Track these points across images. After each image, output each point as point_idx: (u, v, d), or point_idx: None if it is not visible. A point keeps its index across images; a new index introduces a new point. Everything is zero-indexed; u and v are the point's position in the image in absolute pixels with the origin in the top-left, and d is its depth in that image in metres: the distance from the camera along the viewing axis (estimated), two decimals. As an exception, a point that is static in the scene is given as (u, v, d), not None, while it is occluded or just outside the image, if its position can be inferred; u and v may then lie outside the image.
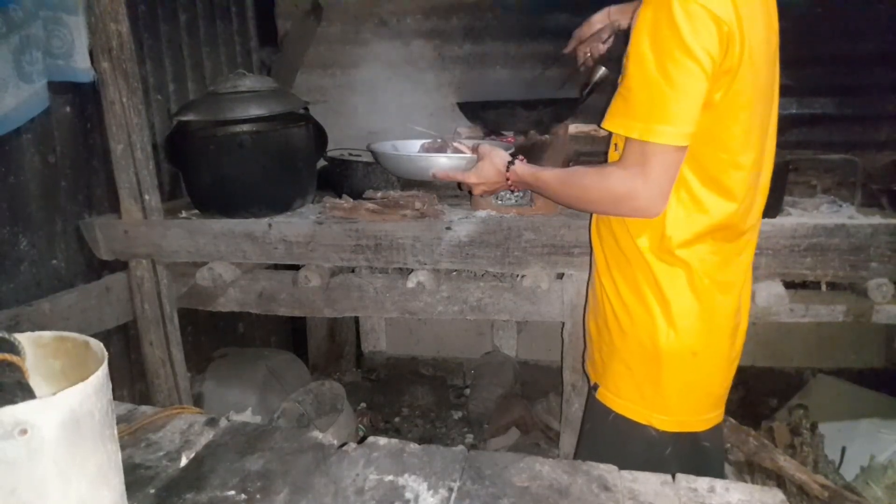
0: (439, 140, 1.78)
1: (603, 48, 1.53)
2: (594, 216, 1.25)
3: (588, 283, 1.33)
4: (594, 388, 1.25)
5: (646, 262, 1.09)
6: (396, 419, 2.77)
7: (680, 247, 1.06)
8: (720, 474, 1.26)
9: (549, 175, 1.19)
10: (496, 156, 1.32)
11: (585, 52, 1.50)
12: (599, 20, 1.49)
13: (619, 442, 1.19)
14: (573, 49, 1.51)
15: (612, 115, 1.04)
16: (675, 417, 1.13)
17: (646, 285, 1.10)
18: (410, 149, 1.80)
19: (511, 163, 1.28)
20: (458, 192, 1.96)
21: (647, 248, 1.09)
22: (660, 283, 1.09)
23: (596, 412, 1.24)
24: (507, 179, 1.29)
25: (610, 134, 1.17)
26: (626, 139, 1.00)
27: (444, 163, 1.53)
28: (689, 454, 1.15)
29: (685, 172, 1.03)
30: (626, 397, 1.17)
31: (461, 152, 1.60)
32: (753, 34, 0.95)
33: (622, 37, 1.42)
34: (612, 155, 1.16)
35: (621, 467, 0.82)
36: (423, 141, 1.81)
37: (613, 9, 1.51)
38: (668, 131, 0.95)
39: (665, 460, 1.13)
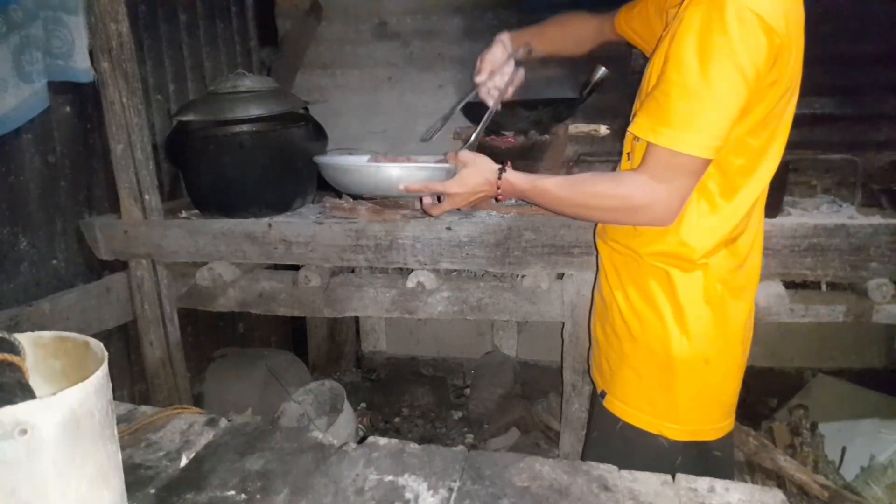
0: (385, 153, 1.72)
1: (511, 90, 1.42)
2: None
3: (594, 288, 1.31)
4: (602, 395, 1.22)
5: (660, 269, 1.07)
6: (396, 419, 2.77)
7: (701, 256, 1.04)
8: None
9: (550, 183, 1.11)
10: (482, 162, 1.21)
11: (500, 87, 1.39)
12: (507, 44, 1.40)
13: (627, 451, 1.15)
14: (483, 80, 1.40)
15: (641, 120, 0.98)
16: (687, 427, 1.10)
17: (660, 292, 1.08)
18: (354, 163, 1.71)
19: (502, 170, 1.18)
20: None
21: (663, 255, 1.07)
22: (675, 290, 1.06)
23: (604, 420, 1.20)
24: (498, 188, 1.18)
25: (621, 140, 1.15)
26: (650, 144, 0.97)
27: (417, 174, 1.43)
28: (700, 464, 1.11)
29: (707, 182, 1.01)
30: (635, 406, 1.14)
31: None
32: (797, 43, 0.93)
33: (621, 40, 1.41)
34: (624, 164, 1.13)
35: None
36: (367, 156, 1.75)
37: (508, 37, 1.42)
38: (699, 142, 0.92)
39: (675, 470, 1.11)
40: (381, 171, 1.55)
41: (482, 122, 1.42)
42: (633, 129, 1.01)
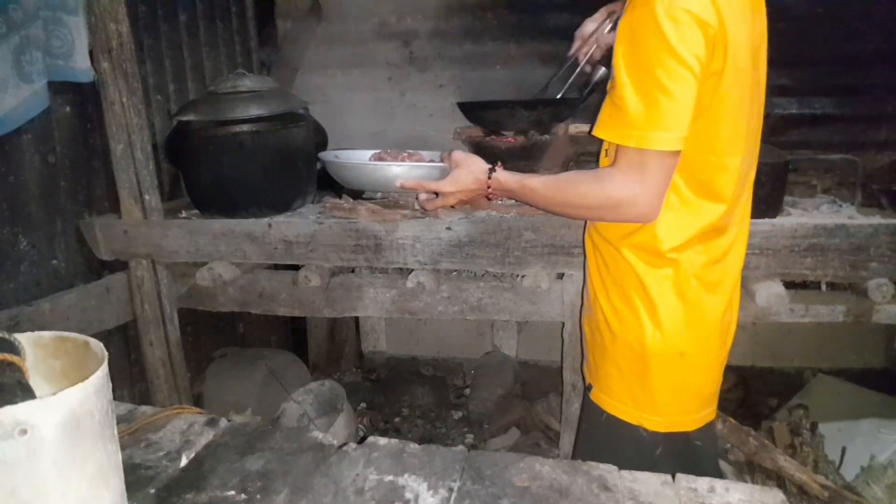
0: (390, 150, 1.81)
1: (606, 42, 1.50)
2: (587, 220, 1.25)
3: (582, 287, 1.33)
4: (589, 388, 1.26)
5: (631, 265, 1.10)
6: (396, 419, 2.77)
7: (670, 251, 1.07)
8: (714, 472, 1.26)
9: (537, 182, 1.15)
10: (473, 163, 1.27)
11: (587, 51, 1.48)
12: (599, 17, 1.47)
13: (611, 442, 1.20)
14: (577, 49, 1.48)
15: (603, 124, 1.03)
16: (665, 418, 1.14)
17: (632, 288, 1.11)
18: (358, 159, 1.83)
19: (492, 170, 1.23)
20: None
21: (634, 251, 1.10)
22: (645, 286, 1.09)
23: (590, 412, 1.25)
24: (488, 188, 1.23)
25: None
26: (619, 146, 1.01)
27: (411, 172, 1.52)
28: (681, 454, 1.16)
29: (674, 176, 1.03)
30: (617, 398, 1.18)
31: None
32: (737, 35, 0.96)
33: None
34: (604, 160, 1.16)
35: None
36: (373, 151, 1.83)
37: (611, 5, 1.50)
38: (663, 138, 0.95)
39: (656, 460, 1.13)
40: (379, 169, 1.65)
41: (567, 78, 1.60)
42: (597, 133, 1.04)
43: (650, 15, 0.92)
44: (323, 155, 1.86)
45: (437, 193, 1.33)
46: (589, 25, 1.46)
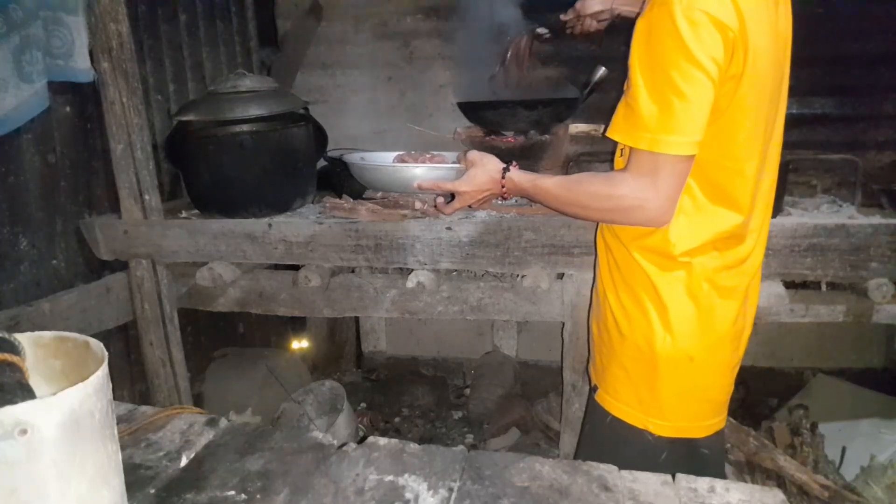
0: (413, 152, 1.83)
1: (595, 27, 1.52)
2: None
3: (592, 286, 1.33)
4: (594, 389, 1.25)
5: (642, 268, 1.09)
6: (396, 419, 2.77)
7: (683, 255, 1.05)
8: None
9: (550, 182, 1.14)
10: (489, 162, 1.28)
11: (578, 26, 1.51)
12: (601, 2, 1.48)
13: (615, 445, 1.18)
14: (570, 19, 1.51)
15: (617, 125, 1.02)
16: (672, 423, 1.12)
17: (643, 290, 1.10)
18: (382, 160, 1.85)
19: (506, 169, 1.24)
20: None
21: (646, 253, 1.08)
22: (657, 288, 1.08)
23: (594, 414, 1.23)
24: (503, 187, 1.24)
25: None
26: (632, 148, 0.99)
27: (430, 173, 1.54)
28: (687, 460, 1.14)
29: (689, 180, 1.02)
30: (623, 401, 1.16)
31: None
32: (758, 37, 0.94)
33: (624, 33, 1.41)
34: (619, 161, 1.14)
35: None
36: (396, 153, 1.85)
37: None
38: (676, 142, 0.94)
39: (660, 465, 1.10)
40: (398, 171, 1.68)
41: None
42: (611, 135, 1.03)
43: (667, 16, 0.90)
44: (348, 157, 1.86)
45: (453, 196, 1.34)
46: (589, 7, 1.48)
